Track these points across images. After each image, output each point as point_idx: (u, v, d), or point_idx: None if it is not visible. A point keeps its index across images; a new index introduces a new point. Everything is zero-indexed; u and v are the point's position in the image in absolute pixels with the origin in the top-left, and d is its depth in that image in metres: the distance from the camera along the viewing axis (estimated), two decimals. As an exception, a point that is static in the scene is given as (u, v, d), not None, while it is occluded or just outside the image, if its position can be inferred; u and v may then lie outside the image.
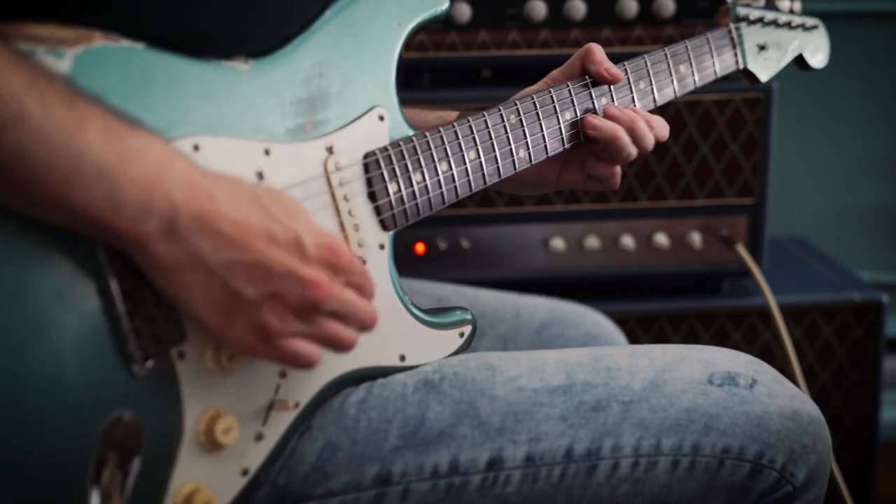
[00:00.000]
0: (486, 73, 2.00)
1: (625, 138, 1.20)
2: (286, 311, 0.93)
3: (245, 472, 1.02)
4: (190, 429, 0.98)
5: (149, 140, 0.90)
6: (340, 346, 0.98)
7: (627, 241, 1.95)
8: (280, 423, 1.04)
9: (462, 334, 1.15)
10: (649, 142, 1.21)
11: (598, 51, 1.22)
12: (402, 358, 1.12)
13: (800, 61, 1.42)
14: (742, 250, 1.93)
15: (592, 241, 1.94)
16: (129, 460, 0.93)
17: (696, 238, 1.95)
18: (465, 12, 1.86)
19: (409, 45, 1.89)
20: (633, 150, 1.21)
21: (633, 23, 1.89)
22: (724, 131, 1.93)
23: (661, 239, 1.95)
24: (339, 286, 0.96)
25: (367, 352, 1.08)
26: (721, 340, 1.99)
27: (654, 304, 1.98)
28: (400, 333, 1.12)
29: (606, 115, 1.21)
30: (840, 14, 2.41)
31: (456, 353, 1.15)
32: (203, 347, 0.98)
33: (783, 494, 1.11)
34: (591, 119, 1.20)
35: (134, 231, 0.89)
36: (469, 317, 1.16)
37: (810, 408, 1.13)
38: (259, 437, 1.03)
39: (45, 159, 0.85)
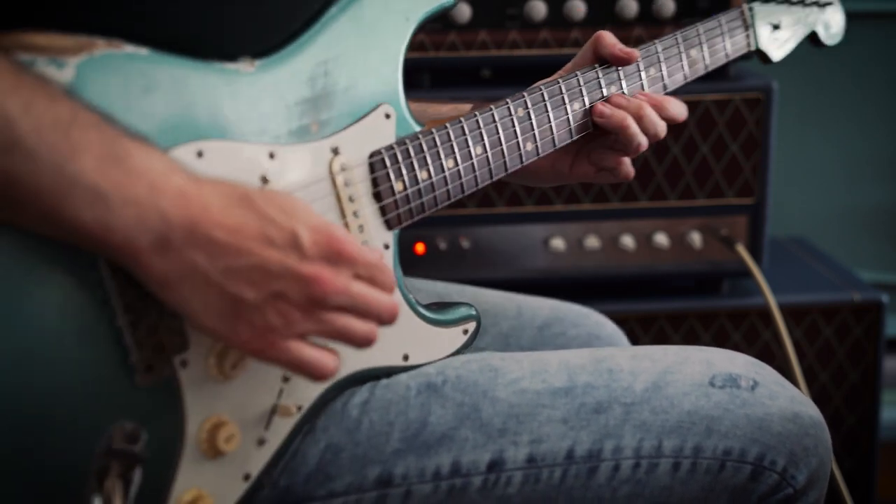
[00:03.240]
0: (486, 74, 1.99)
1: (633, 126, 1.19)
2: (291, 309, 0.91)
3: (247, 477, 1.02)
4: (192, 437, 0.97)
5: (148, 159, 0.89)
6: (356, 340, 0.95)
7: (627, 241, 1.94)
8: (282, 428, 1.04)
9: (466, 331, 1.15)
10: (659, 128, 1.20)
11: (607, 35, 1.22)
12: (406, 357, 1.11)
13: (813, 38, 1.39)
14: (742, 250, 1.93)
15: (592, 241, 1.94)
16: (130, 469, 0.92)
17: (696, 238, 1.95)
18: (465, 12, 1.86)
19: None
20: (643, 140, 1.19)
21: (634, 23, 1.89)
22: (724, 131, 1.93)
23: (661, 239, 1.95)
24: (345, 278, 0.93)
25: (370, 353, 1.07)
26: (721, 341, 1.99)
27: (654, 304, 1.97)
28: (404, 333, 1.11)
29: (613, 104, 1.20)
30: (840, 14, 2.41)
31: (459, 350, 1.14)
32: (206, 355, 0.97)
33: (784, 497, 1.11)
34: (600, 107, 1.20)
35: (127, 247, 0.88)
36: (474, 312, 1.15)
37: (811, 410, 1.13)
38: (261, 442, 1.03)
39: (34, 185, 0.85)
